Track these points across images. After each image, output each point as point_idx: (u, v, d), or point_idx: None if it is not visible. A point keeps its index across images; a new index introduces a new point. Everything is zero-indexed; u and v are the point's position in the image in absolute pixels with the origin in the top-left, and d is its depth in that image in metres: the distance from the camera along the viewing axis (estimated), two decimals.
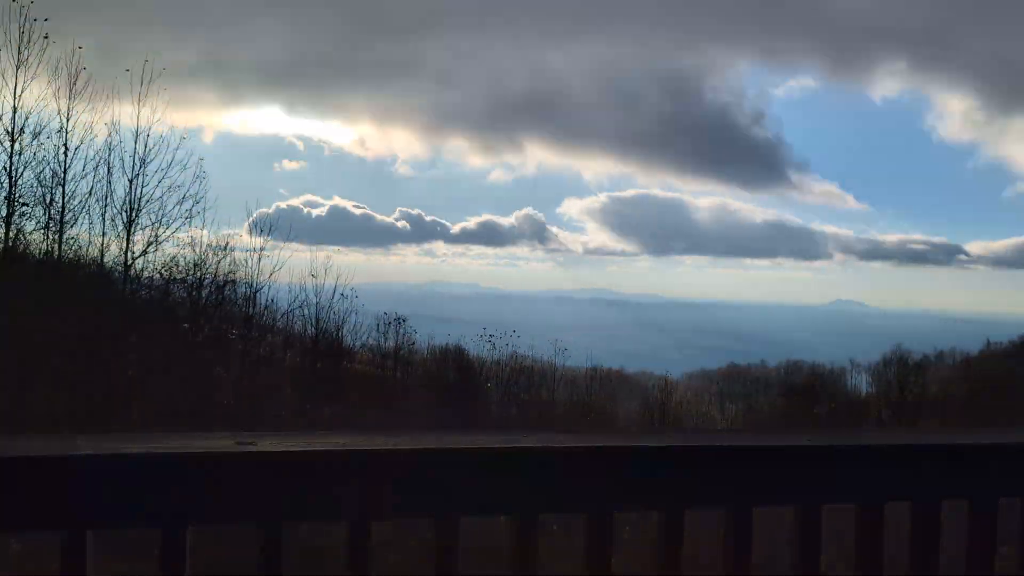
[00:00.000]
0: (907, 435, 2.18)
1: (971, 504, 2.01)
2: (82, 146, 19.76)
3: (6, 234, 18.92)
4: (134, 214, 20.16)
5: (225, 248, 21.98)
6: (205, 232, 21.49)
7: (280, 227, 23.06)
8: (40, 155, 19.26)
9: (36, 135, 19.12)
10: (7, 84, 18.63)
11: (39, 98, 19.12)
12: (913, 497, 1.96)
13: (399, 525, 1.82)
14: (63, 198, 19.70)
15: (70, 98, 19.42)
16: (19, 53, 18.74)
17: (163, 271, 21.72)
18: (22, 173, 19.03)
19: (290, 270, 23.04)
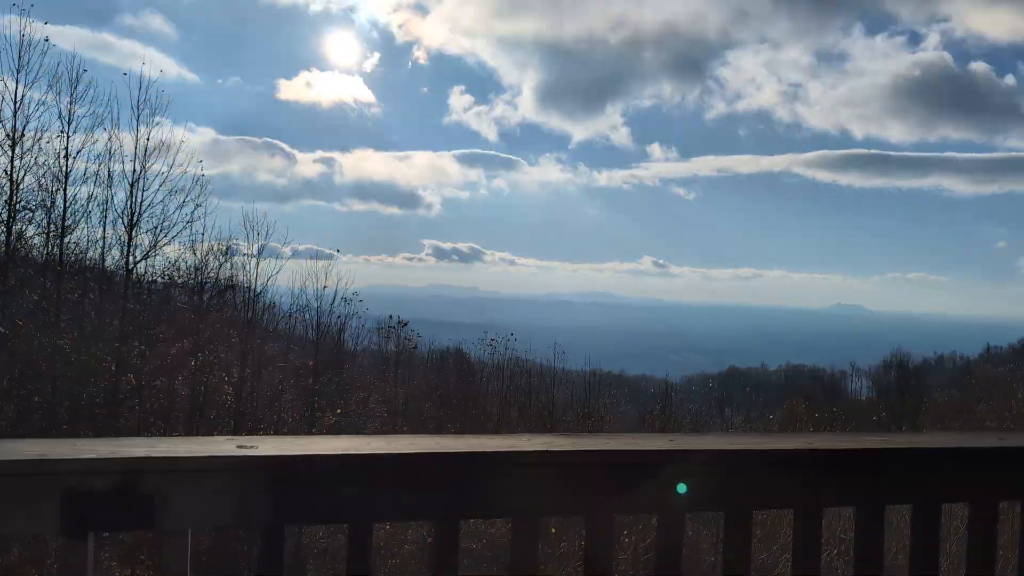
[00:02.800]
0: (907, 439, 2.17)
1: (971, 508, 2.01)
2: (83, 151, 19.82)
3: (7, 238, 18.93)
4: (135, 218, 20.17)
5: (226, 252, 22.02)
6: (206, 236, 21.51)
7: None
8: (41, 160, 19.30)
9: (37, 140, 19.16)
10: (8, 89, 18.68)
11: (40, 102, 19.17)
12: (913, 501, 1.96)
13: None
14: (64, 203, 19.75)
15: (71, 102, 19.48)
16: (19, 57, 18.80)
17: (164, 275, 21.76)
18: (23, 177, 19.07)
19: (292, 274, 23.06)
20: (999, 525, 2.02)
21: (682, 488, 1.76)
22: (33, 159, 19.12)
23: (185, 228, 20.74)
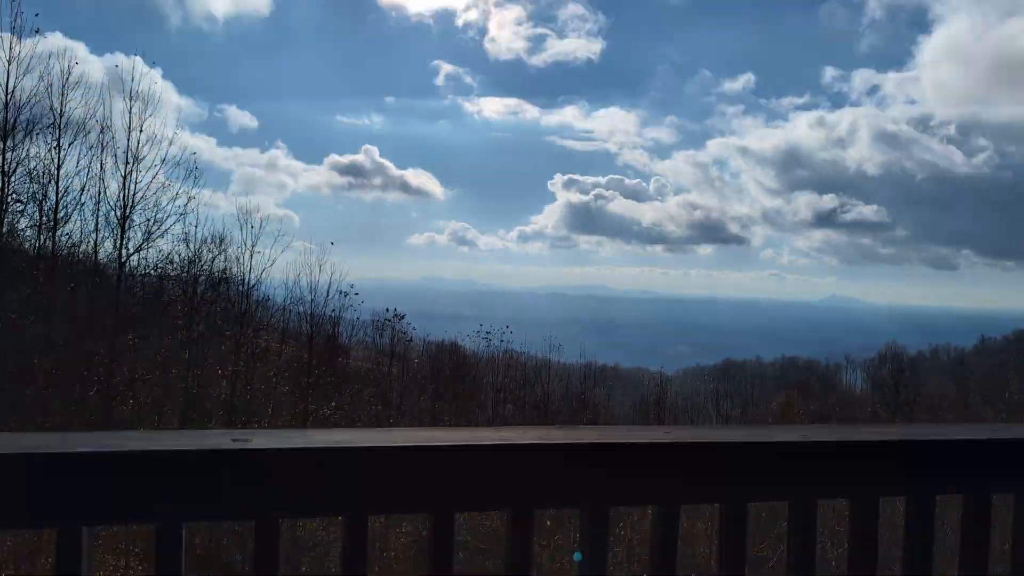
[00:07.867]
0: (901, 431, 2.18)
1: (964, 500, 2.02)
2: (75, 143, 19.75)
3: None
4: (128, 211, 20.10)
5: (220, 244, 21.97)
6: (200, 228, 21.48)
7: None
8: (33, 152, 19.24)
9: (29, 132, 19.08)
10: None
11: (32, 94, 19.09)
12: (907, 493, 1.96)
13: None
14: (56, 195, 19.69)
15: (63, 94, 19.39)
16: (10, 48, 18.71)
17: (157, 268, 21.70)
18: (15, 169, 19.00)
19: (286, 266, 22.98)
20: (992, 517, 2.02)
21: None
22: (24, 151, 19.09)
23: (178, 220, 20.73)
